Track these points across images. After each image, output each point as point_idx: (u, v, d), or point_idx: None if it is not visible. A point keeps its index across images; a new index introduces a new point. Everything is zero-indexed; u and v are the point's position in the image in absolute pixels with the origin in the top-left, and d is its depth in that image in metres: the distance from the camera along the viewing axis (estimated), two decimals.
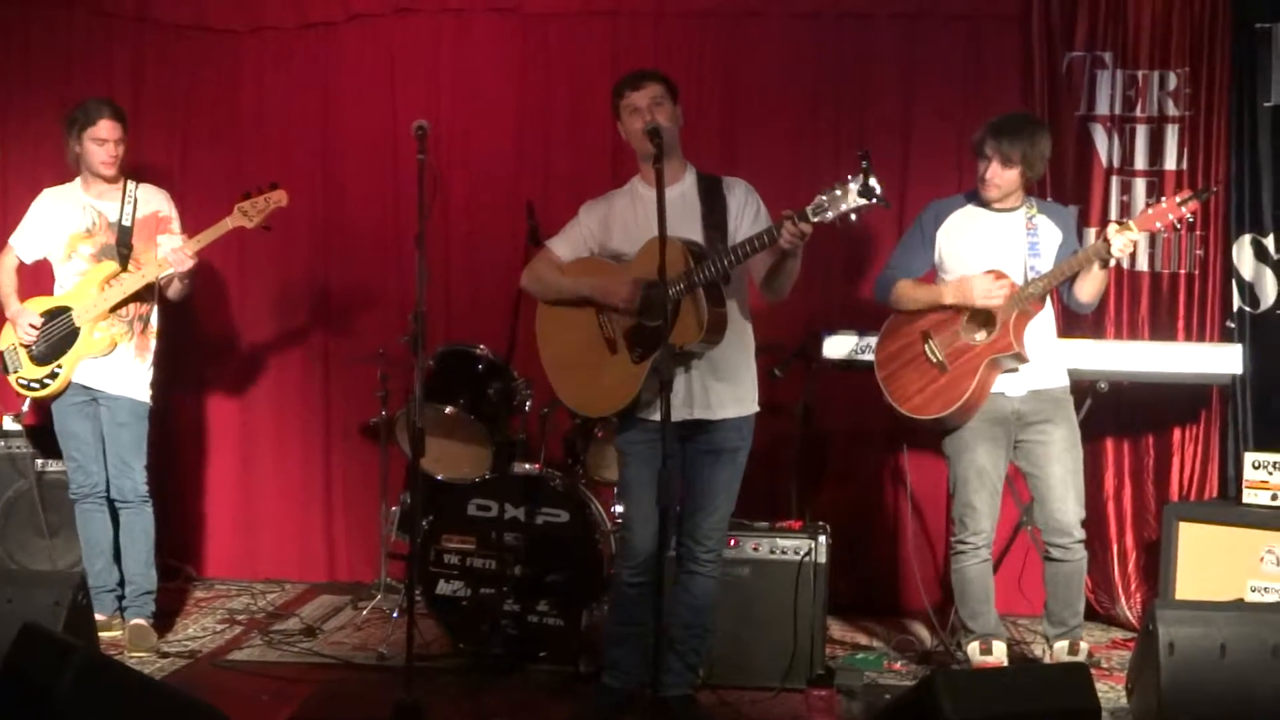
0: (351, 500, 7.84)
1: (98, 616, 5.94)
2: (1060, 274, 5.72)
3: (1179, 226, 5.79)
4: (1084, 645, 6.00)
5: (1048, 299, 5.90)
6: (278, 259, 7.71)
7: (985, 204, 5.95)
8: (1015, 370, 5.83)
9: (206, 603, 7.34)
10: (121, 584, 6.50)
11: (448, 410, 6.36)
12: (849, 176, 4.73)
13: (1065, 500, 5.87)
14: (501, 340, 6.56)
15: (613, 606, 5.55)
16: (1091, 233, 6.93)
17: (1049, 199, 6.64)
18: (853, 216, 4.75)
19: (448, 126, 7.55)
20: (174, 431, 7.65)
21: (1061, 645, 5.95)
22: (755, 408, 5.38)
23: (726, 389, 5.23)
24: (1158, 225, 5.63)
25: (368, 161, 7.74)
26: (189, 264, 6.21)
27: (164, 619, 6.70)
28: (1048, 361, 5.93)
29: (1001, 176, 5.82)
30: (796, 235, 4.82)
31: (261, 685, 5.83)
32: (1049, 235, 5.88)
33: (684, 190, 5.26)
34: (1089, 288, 5.78)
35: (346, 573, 7.86)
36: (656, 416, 4.96)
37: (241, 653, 6.37)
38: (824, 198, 4.75)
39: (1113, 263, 5.69)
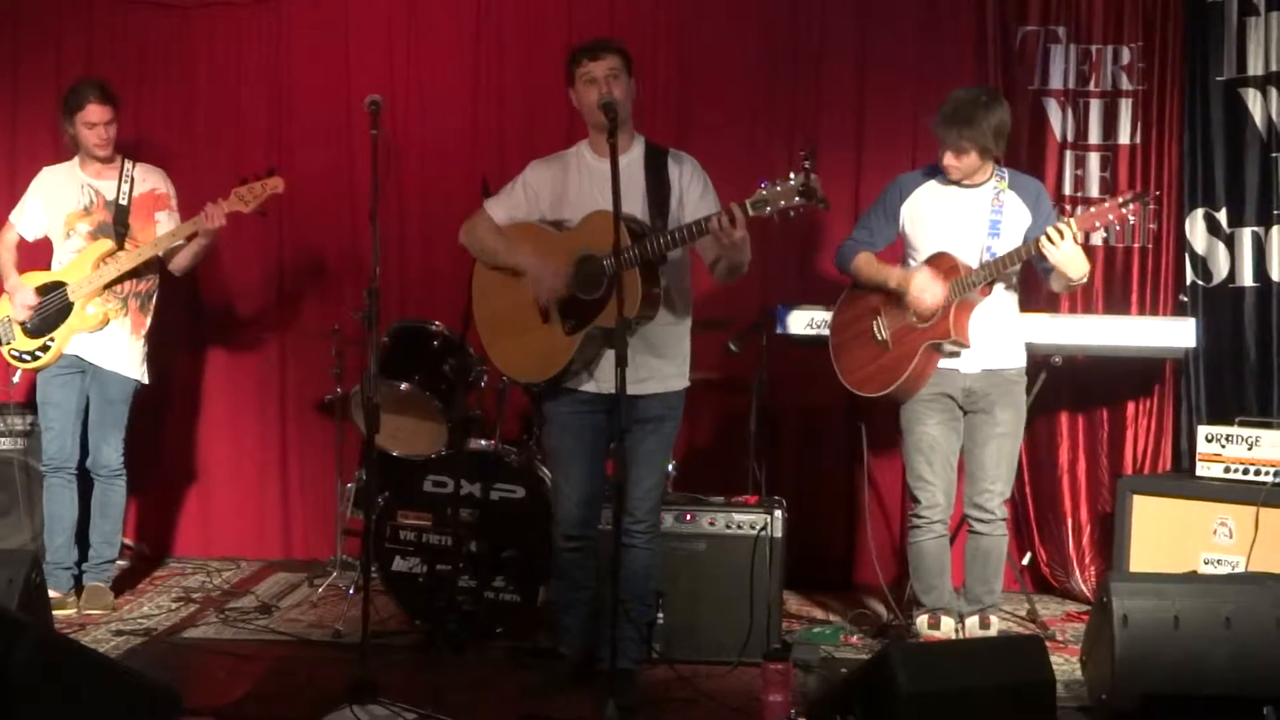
0: (307, 477, 7.81)
1: (52, 594, 5.94)
2: (997, 268, 5.72)
3: (1119, 227, 6.15)
4: (994, 620, 6.04)
5: (1009, 281, 5.91)
6: (231, 235, 7.58)
7: (951, 180, 5.93)
8: (956, 355, 5.86)
9: (162, 580, 7.31)
10: (79, 563, 6.49)
11: (403, 387, 6.33)
12: (791, 173, 4.85)
13: (995, 482, 5.93)
14: (456, 316, 6.52)
15: (555, 575, 5.65)
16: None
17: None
18: (791, 213, 4.87)
19: (402, 101, 7.54)
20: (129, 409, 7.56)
21: (973, 621, 5.99)
22: (685, 383, 5.45)
23: (658, 364, 5.28)
24: (1098, 225, 5.67)
25: (322, 136, 7.70)
26: (219, 222, 6.28)
27: (119, 596, 6.69)
28: (1004, 341, 5.94)
29: (960, 162, 5.81)
30: (728, 228, 4.88)
31: (217, 663, 5.80)
32: (1015, 215, 5.85)
33: (630, 162, 5.27)
34: (1054, 283, 5.86)
35: (302, 550, 7.84)
36: (585, 388, 5.29)
37: (197, 630, 6.34)
38: (764, 193, 4.86)
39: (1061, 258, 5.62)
